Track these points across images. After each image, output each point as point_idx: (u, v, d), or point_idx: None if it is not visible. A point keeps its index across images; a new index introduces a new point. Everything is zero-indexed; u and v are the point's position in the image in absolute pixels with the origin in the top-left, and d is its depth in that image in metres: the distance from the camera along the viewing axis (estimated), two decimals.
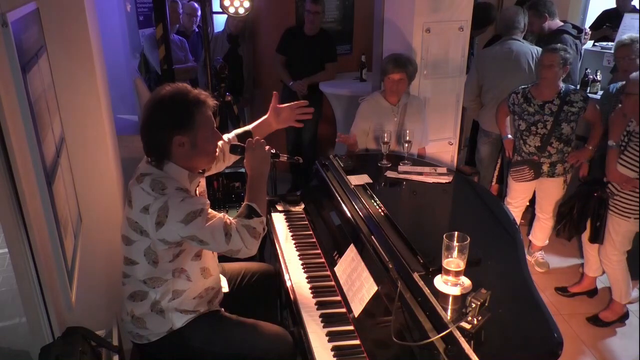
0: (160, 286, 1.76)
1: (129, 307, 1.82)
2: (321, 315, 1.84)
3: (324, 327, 1.78)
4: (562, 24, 3.79)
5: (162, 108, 1.67)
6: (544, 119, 3.09)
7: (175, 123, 1.66)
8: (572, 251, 3.69)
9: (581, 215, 2.91)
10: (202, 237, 1.65)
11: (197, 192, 1.85)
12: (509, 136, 3.43)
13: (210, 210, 1.70)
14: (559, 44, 3.07)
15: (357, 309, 1.79)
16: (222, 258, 2.30)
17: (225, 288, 2.05)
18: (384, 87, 2.95)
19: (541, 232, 3.48)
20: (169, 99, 1.67)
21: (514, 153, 3.34)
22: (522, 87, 3.22)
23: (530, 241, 3.57)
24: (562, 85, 3.09)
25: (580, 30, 3.93)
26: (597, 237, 2.87)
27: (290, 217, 2.53)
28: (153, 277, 1.75)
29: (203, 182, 1.94)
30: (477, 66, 3.75)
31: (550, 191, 3.30)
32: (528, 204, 3.53)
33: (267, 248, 2.52)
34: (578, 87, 3.77)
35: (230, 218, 1.72)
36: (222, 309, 1.96)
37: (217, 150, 1.83)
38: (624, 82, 3.03)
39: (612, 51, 3.95)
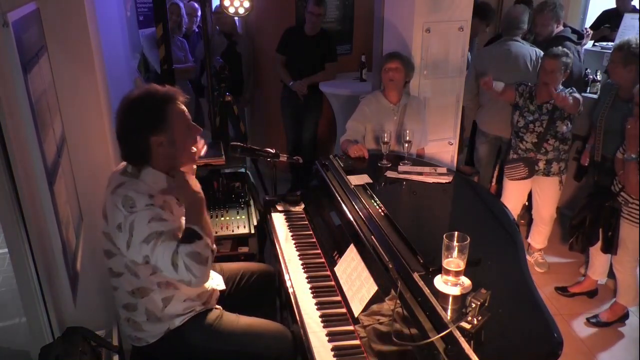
0: (148, 295, 1.74)
1: (123, 315, 1.82)
2: (321, 316, 1.84)
3: (324, 327, 1.78)
4: (562, 28, 3.77)
5: (133, 111, 1.64)
6: (540, 118, 3.13)
7: (148, 123, 1.63)
8: (571, 251, 3.68)
9: (593, 227, 2.90)
10: (155, 263, 1.58)
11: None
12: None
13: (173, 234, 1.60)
14: (560, 48, 3.05)
15: (357, 309, 1.79)
16: (220, 258, 2.31)
17: (221, 285, 2.01)
18: (383, 84, 2.95)
19: (539, 236, 3.48)
20: (138, 101, 1.64)
21: (511, 151, 3.33)
22: (530, 83, 3.24)
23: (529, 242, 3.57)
24: (560, 87, 3.09)
25: (580, 35, 3.92)
26: (611, 247, 2.86)
27: (290, 217, 2.52)
28: (140, 287, 1.73)
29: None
30: (475, 65, 3.74)
31: (547, 192, 3.29)
32: (526, 203, 3.53)
33: (267, 248, 2.52)
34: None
35: (181, 247, 1.57)
36: (221, 307, 1.95)
37: (201, 145, 1.80)
38: None
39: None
